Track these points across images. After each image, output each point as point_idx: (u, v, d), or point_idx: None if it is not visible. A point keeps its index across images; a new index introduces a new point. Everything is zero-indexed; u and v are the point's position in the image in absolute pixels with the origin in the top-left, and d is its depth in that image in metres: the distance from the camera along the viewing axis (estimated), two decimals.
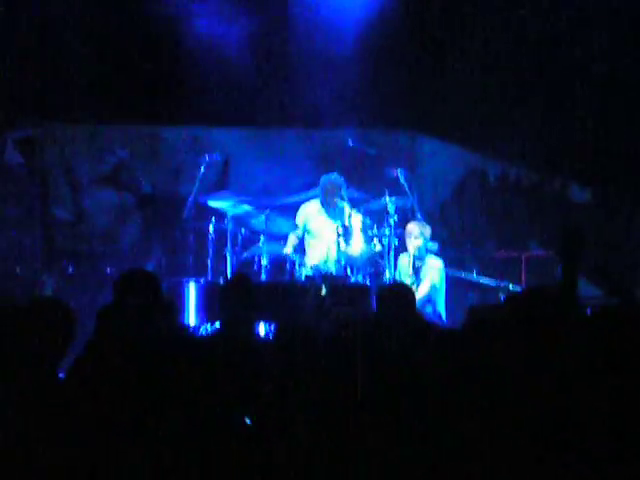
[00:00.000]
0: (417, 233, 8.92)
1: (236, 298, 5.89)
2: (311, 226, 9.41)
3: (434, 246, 9.22)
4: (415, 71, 10.77)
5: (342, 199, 9.28)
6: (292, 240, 9.36)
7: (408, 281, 8.65)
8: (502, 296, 8.72)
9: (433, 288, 8.91)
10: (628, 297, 9.40)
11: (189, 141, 11.31)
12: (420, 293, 8.77)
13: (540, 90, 10.62)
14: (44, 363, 4.14)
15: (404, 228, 9.03)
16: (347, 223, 9.01)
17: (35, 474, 3.66)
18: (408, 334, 5.34)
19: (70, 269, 10.17)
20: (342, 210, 9.30)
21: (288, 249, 9.19)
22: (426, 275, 8.91)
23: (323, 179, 9.43)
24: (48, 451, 3.69)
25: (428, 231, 9.01)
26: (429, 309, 8.84)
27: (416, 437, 3.65)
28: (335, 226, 9.05)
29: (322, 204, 9.42)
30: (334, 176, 9.39)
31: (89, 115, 10.86)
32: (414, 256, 8.88)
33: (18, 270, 10.42)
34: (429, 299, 8.90)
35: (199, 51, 10.59)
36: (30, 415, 3.79)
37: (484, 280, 9.27)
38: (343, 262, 8.82)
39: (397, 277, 8.82)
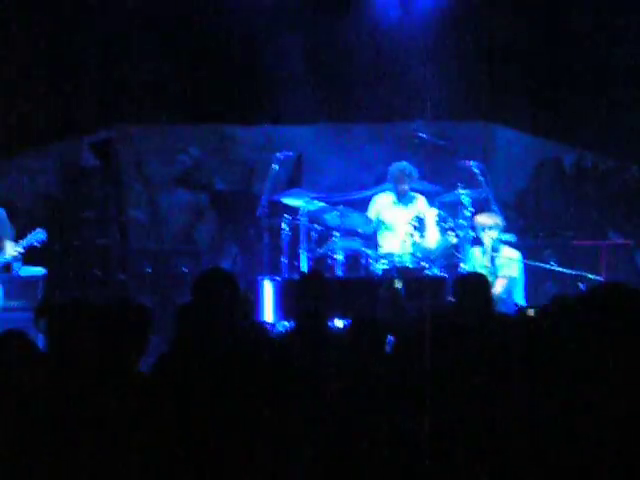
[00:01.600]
0: (490, 224, 8.82)
1: (311, 293, 5.89)
2: (384, 218, 9.37)
3: (511, 237, 9.12)
4: (485, 62, 10.67)
5: (414, 189, 9.24)
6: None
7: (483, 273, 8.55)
8: (582, 285, 8.57)
9: (511, 279, 8.80)
10: None
11: (262, 139, 11.36)
12: (498, 285, 8.67)
13: (614, 76, 10.45)
14: (124, 363, 4.18)
15: None
16: (421, 215, 8.97)
17: (118, 469, 3.71)
18: (487, 325, 5.29)
19: (147, 269, 10.28)
20: (415, 200, 9.26)
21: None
22: (503, 267, 8.81)
23: (392, 167, 9.39)
24: (134, 448, 3.73)
25: (501, 222, 8.90)
26: (508, 300, 8.74)
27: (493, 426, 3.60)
28: (409, 215, 9.01)
29: (395, 194, 9.36)
30: (403, 164, 9.35)
31: (162, 115, 10.98)
32: (489, 248, 8.79)
33: (96, 272, 10.56)
34: (508, 291, 8.79)
35: (271, 49, 10.63)
36: (112, 413, 3.83)
37: (563, 270, 9.12)
38: (419, 255, 8.78)
39: (473, 269, 8.74)
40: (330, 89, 10.87)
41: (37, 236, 8.30)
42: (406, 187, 9.27)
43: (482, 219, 8.87)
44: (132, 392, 3.96)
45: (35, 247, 8.25)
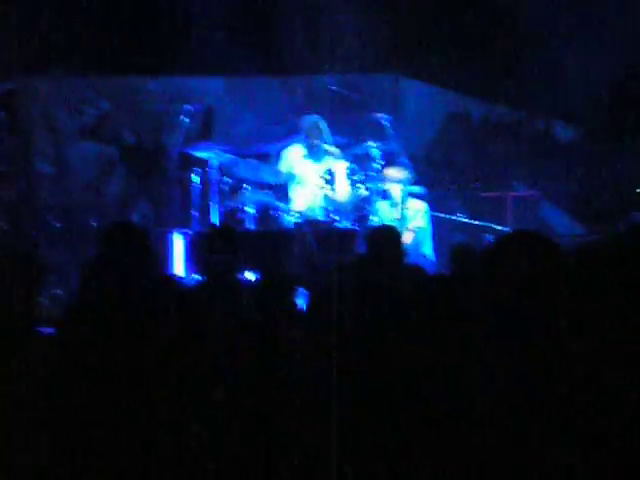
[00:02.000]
0: (398, 177, 8.92)
1: (221, 247, 5.90)
2: (296, 172, 9.37)
3: (420, 189, 9.22)
4: (396, 14, 10.69)
5: (325, 142, 9.26)
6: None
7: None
8: (488, 236, 8.75)
9: (419, 231, 8.94)
10: (612, 233, 9.43)
11: (172, 91, 11.23)
12: (406, 237, 8.79)
13: (520, 28, 10.56)
14: (20, 315, 4.14)
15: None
16: (332, 168, 9.00)
17: (21, 431, 3.69)
18: (398, 275, 5.38)
19: (55, 223, 10.13)
20: (326, 153, 9.28)
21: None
22: (411, 219, 8.93)
23: (303, 120, 9.38)
24: (37, 406, 3.71)
25: (409, 175, 9.00)
26: (416, 251, 8.87)
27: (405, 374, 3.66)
28: (320, 168, 9.04)
29: (306, 147, 9.35)
30: (314, 117, 9.35)
31: (70, 67, 10.77)
32: (398, 200, 8.90)
33: (3, 225, 10.38)
34: (416, 242, 8.92)
35: (180, 0, 10.51)
36: (8, 370, 3.80)
37: (469, 221, 9.29)
38: (329, 208, 8.83)
39: (382, 221, 8.83)
40: (241, 41, 10.79)
41: None
42: (317, 141, 9.28)
43: (390, 172, 8.96)
44: (31, 346, 3.94)
45: None
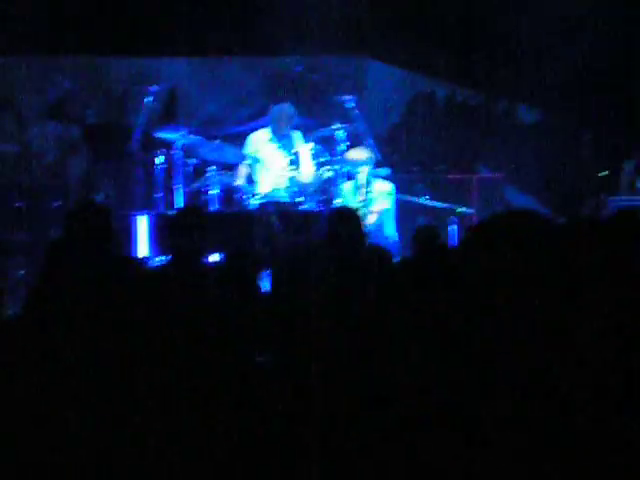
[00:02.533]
0: (363, 159, 8.93)
1: (186, 229, 5.88)
2: (261, 155, 9.34)
3: (385, 171, 9.23)
4: None
5: (292, 128, 9.24)
6: (243, 171, 9.26)
7: (355, 207, 8.65)
8: (454, 218, 8.78)
9: (383, 212, 8.96)
10: (573, 215, 9.52)
11: (134, 71, 11.16)
12: (370, 218, 8.82)
13: (485, 10, 10.60)
14: None
15: None
16: (297, 150, 8.99)
17: None
18: (357, 257, 5.39)
19: (17, 203, 10.05)
20: (292, 138, 9.26)
21: (240, 180, 9.12)
22: (375, 201, 8.96)
23: (275, 109, 9.32)
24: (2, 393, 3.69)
25: (373, 156, 9.01)
26: (380, 233, 8.90)
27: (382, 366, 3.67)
28: (285, 151, 9.02)
29: (273, 133, 9.33)
30: (286, 106, 9.30)
31: (31, 46, 10.67)
32: (363, 182, 8.91)
33: None
34: (380, 224, 8.95)
35: None
36: None
37: (434, 203, 9.32)
38: (294, 189, 8.83)
39: (346, 203, 8.85)
40: (204, 20, 10.73)
41: None
42: (287, 129, 9.25)
43: (355, 154, 8.96)
44: None
45: None
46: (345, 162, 8.92)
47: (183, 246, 5.80)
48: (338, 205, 8.63)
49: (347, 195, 8.97)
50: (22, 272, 8.75)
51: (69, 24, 10.54)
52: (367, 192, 8.94)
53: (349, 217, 6.15)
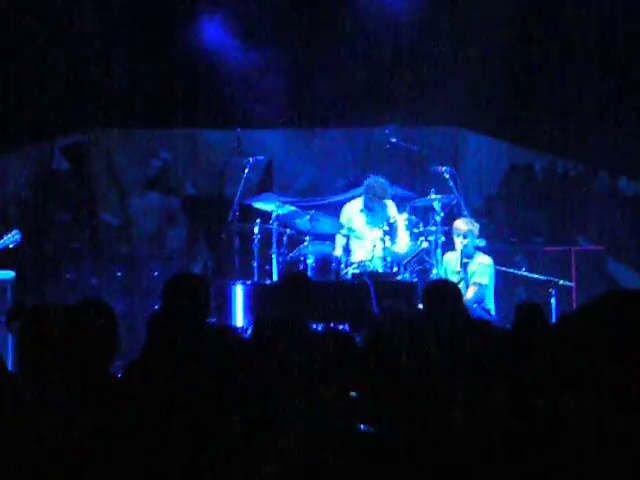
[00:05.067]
0: (464, 230, 8.85)
1: (293, 296, 5.85)
2: (355, 225, 9.36)
3: (481, 242, 9.14)
4: (456, 67, 10.72)
5: (386, 198, 9.25)
6: (340, 241, 9.27)
7: (455, 279, 8.54)
8: (553, 291, 8.60)
9: (482, 285, 8.84)
10: None
11: (232, 143, 11.33)
12: (469, 291, 8.72)
13: (586, 83, 10.52)
14: (93, 364, 4.14)
15: (451, 225, 8.97)
16: (392, 220, 8.97)
17: (86, 472, 3.68)
18: (455, 330, 5.30)
19: (118, 273, 10.24)
20: (385, 208, 9.25)
21: (338, 250, 9.10)
22: (475, 273, 8.85)
23: (368, 181, 9.34)
24: (104, 452, 3.70)
25: (476, 228, 8.94)
26: (479, 306, 8.77)
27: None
28: (380, 222, 9.01)
29: (365, 206, 9.35)
30: (380, 179, 9.32)
31: (133, 119, 10.95)
32: (462, 253, 8.81)
33: (67, 275, 10.52)
34: (479, 297, 8.83)
35: (241, 55, 10.64)
36: (80, 415, 3.80)
37: (533, 276, 9.15)
38: (389, 259, 8.78)
39: (444, 275, 8.76)
40: (301, 93, 10.88)
41: (13, 237, 8.25)
42: (379, 202, 9.26)
43: (459, 224, 8.89)
44: (106, 395, 3.94)
45: (8, 249, 8.20)
46: (442, 233, 8.85)
47: (289, 313, 5.76)
48: (436, 278, 8.55)
49: (446, 266, 8.89)
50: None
51: (170, 98, 10.79)
52: (466, 264, 8.84)
53: (446, 291, 6.05)
